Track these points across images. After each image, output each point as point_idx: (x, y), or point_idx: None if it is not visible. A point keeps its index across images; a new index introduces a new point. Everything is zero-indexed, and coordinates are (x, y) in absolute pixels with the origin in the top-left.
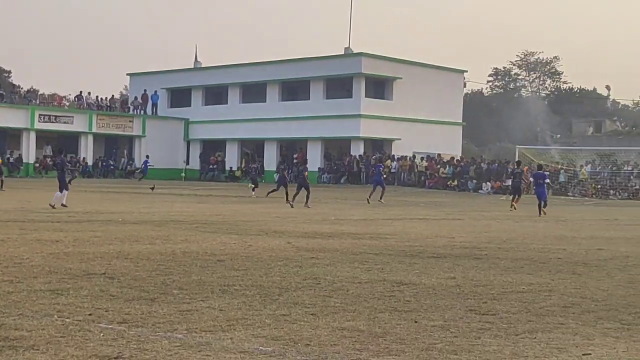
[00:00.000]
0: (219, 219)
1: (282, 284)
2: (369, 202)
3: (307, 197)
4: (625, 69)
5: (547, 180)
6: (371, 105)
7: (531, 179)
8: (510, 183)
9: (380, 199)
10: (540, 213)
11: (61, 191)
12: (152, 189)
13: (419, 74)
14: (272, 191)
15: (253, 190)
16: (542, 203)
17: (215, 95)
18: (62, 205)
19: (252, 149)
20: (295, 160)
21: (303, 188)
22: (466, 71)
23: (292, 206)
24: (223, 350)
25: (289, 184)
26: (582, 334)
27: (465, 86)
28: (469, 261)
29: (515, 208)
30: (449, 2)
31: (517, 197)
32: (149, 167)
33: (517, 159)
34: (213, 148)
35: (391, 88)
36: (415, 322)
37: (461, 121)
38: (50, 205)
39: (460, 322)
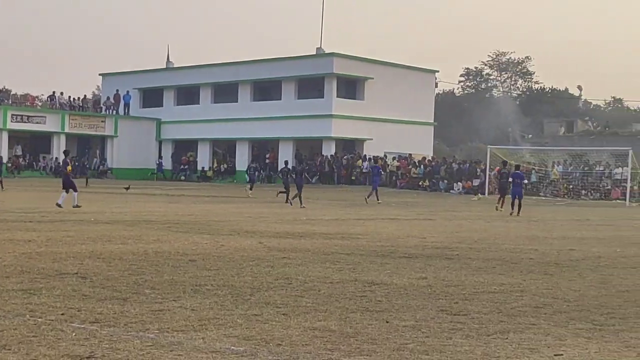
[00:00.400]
0: (191, 219)
1: (253, 284)
2: (378, 202)
3: (297, 195)
4: (597, 69)
5: (526, 181)
6: (343, 105)
7: (510, 179)
8: (478, 184)
9: (368, 197)
10: (518, 212)
11: (67, 191)
12: (127, 188)
13: (390, 74)
14: (282, 192)
15: (251, 189)
16: (520, 203)
17: (187, 95)
18: (75, 206)
19: (224, 149)
20: (267, 160)
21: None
22: (438, 71)
23: (292, 204)
24: (195, 350)
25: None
26: (554, 334)
27: (436, 86)
28: (441, 261)
29: (500, 210)
30: (420, 3)
31: (503, 198)
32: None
33: (503, 160)
34: (185, 148)
35: (363, 88)
36: (387, 322)
37: (433, 121)
38: (57, 205)
39: (432, 322)
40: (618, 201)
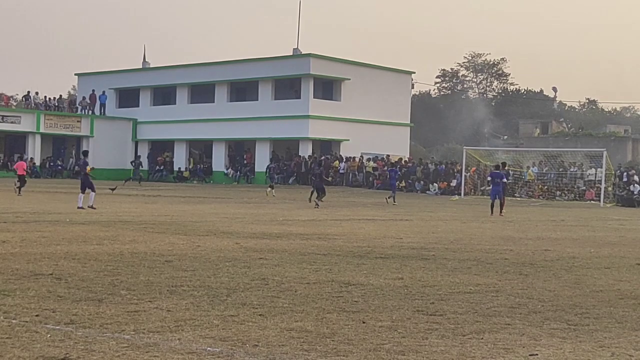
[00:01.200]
0: (167, 219)
1: (230, 285)
2: (394, 203)
3: (320, 197)
4: (572, 71)
5: (505, 180)
6: (319, 106)
7: (488, 178)
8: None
9: (389, 198)
10: (500, 211)
11: (83, 192)
12: (113, 189)
13: (367, 75)
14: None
15: (272, 188)
16: (501, 202)
17: (164, 95)
18: (90, 207)
19: (201, 150)
20: (244, 161)
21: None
22: (414, 72)
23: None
24: (171, 351)
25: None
26: (529, 334)
27: (413, 87)
28: (417, 262)
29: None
30: (397, 4)
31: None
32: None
33: (501, 162)
34: (161, 148)
35: (339, 89)
36: (363, 322)
37: (409, 122)
38: (86, 207)
39: (408, 323)
40: (592, 202)
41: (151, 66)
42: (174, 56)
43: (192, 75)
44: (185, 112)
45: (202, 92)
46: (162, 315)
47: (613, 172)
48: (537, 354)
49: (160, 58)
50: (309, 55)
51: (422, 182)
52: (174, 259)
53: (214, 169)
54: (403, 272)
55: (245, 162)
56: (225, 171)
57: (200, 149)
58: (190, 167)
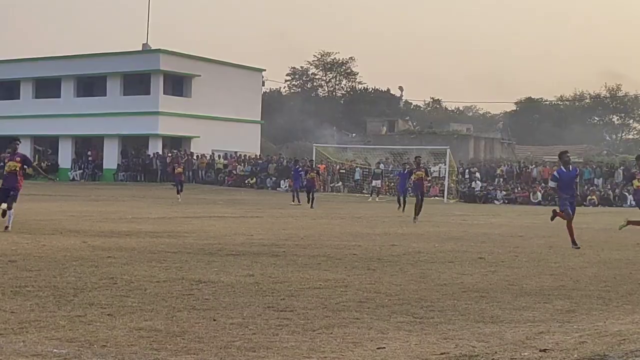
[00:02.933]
0: None
1: (77, 285)
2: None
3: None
4: (417, 70)
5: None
6: (170, 102)
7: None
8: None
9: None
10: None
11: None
12: None
13: (218, 71)
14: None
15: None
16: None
17: (7, 90)
18: None
19: (46, 146)
20: (90, 158)
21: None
22: (264, 70)
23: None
24: (15, 354)
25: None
26: (377, 328)
27: (263, 85)
28: (268, 258)
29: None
30: (249, 1)
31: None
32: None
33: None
34: (4, 145)
35: (190, 85)
36: (214, 320)
37: (260, 119)
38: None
39: (259, 319)
40: (436, 198)
41: None
42: (17, 49)
43: (36, 69)
44: (30, 107)
45: (47, 87)
46: (6, 317)
47: (456, 169)
48: (384, 347)
49: (2, 51)
50: (158, 50)
51: (273, 179)
52: (18, 259)
53: (60, 166)
54: (254, 269)
55: (90, 158)
56: (70, 174)
57: (46, 146)
58: (35, 163)
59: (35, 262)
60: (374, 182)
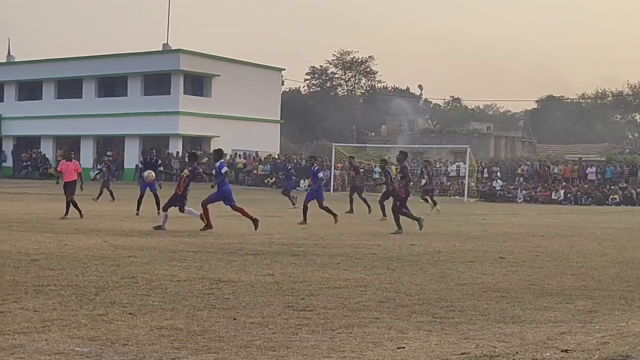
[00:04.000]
0: (33, 217)
1: (99, 283)
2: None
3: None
4: (437, 69)
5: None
6: (190, 102)
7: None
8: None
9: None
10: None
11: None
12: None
13: (237, 71)
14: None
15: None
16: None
17: (30, 90)
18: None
19: (68, 146)
20: (110, 158)
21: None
22: (284, 69)
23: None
24: (37, 352)
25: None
26: (397, 327)
27: (283, 84)
28: (287, 258)
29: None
30: (268, 1)
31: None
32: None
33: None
34: (27, 144)
35: (210, 85)
36: (234, 319)
37: (279, 119)
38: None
39: (279, 319)
40: (456, 197)
41: (16, 60)
42: (40, 50)
43: (59, 70)
44: (52, 107)
45: (69, 87)
46: (29, 315)
47: (476, 168)
48: (404, 347)
49: (26, 52)
50: (178, 50)
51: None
52: (40, 258)
53: (82, 166)
54: (273, 269)
55: (111, 158)
56: (91, 173)
57: (68, 146)
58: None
59: (57, 261)
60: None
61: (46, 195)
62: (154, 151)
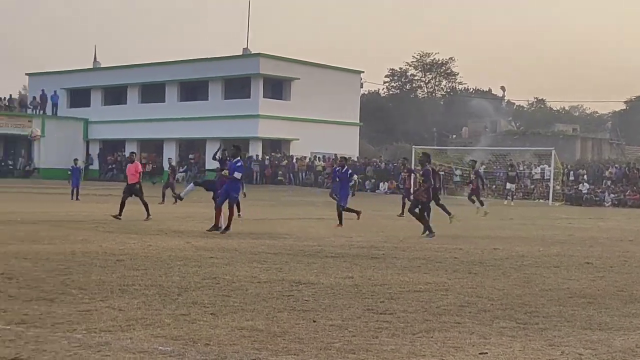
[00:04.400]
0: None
1: (181, 284)
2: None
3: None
4: (520, 70)
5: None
6: (269, 105)
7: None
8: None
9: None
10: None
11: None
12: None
13: (316, 74)
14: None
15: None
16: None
17: (115, 95)
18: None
19: (151, 150)
20: (192, 160)
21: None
22: (363, 72)
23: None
24: (122, 350)
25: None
26: (479, 333)
27: (362, 87)
28: (367, 261)
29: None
30: (347, 3)
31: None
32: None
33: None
34: (112, 148)
35: (289, 88)
36: (314, 321)
37: (358, 121)
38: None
39: (358, 322)
40: (541, 201)
41: (102, 66)
42: (124, 56)
43: (142, 75)
44: (136, 111)
45: (152, 92)
46: (114, 314)
47: (562, 171)
48: (486, 352)
49: (111, 58)
50: (258, 55)
51: (372, 181)
52: (125, 258)
53: (164, 169)
54: (353, 271)
55: (193, 161)
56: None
57: (151, 149)
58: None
59: (141, 262)
60: (508, 185)
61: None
62: (226, 152)
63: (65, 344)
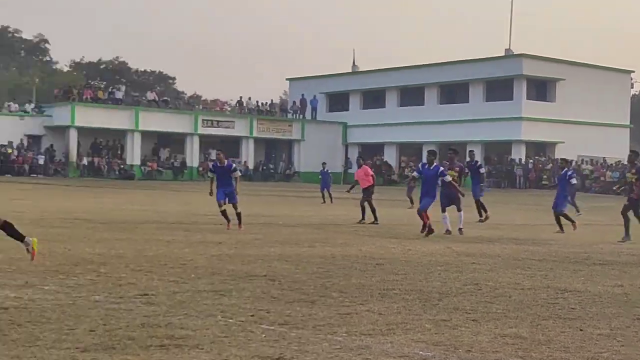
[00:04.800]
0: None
1: (442, 289)
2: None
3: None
4: None
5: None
6: (533, 107)
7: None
8: None
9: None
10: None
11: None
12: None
13: (582, 74)
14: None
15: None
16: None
17: (373, 99)
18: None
19: (410, 153)
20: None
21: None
22: (633, 71)
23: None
24: (383, 354)
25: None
26: None
27: (632, 87)
28: (638, 269)
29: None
30: (614, 2)
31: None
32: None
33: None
34: (371, 151)
35: (554, 89)
36: (581, 330)
37: (628, 123)
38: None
39: (628, 331)
40: None
41: (360, 70)
42: (382, 60)
43: (401, 78)
44: (395, 115)
45: (411, 95)
46: (374, 318)
47: None
48: None
49: (369, 62)
50: (521, 55)
51: None
52: (385, 262)
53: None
54: (623, 280)
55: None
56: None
57: (410, 152)
58: (399, 171)
59: (401, 266)
60: None
61: (399, 201)
62: (473, 152)
63: (327, 346)
